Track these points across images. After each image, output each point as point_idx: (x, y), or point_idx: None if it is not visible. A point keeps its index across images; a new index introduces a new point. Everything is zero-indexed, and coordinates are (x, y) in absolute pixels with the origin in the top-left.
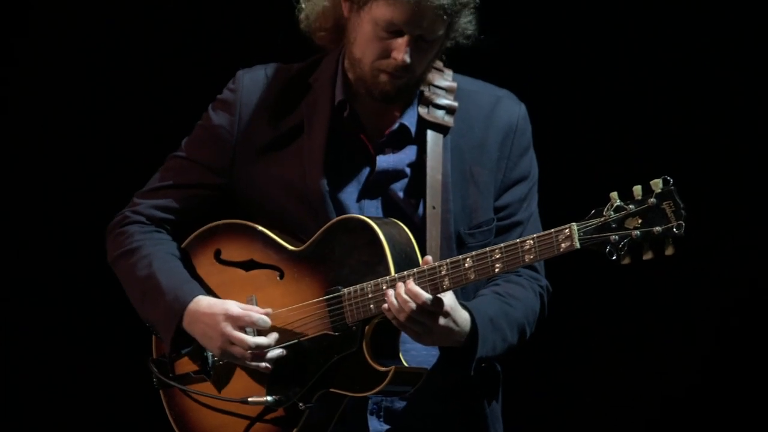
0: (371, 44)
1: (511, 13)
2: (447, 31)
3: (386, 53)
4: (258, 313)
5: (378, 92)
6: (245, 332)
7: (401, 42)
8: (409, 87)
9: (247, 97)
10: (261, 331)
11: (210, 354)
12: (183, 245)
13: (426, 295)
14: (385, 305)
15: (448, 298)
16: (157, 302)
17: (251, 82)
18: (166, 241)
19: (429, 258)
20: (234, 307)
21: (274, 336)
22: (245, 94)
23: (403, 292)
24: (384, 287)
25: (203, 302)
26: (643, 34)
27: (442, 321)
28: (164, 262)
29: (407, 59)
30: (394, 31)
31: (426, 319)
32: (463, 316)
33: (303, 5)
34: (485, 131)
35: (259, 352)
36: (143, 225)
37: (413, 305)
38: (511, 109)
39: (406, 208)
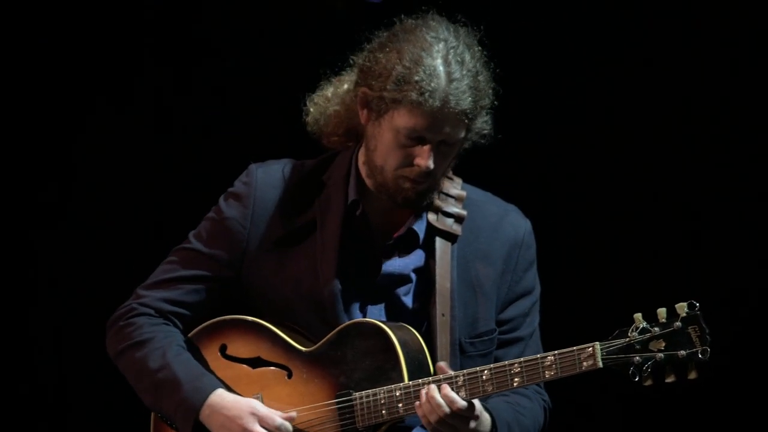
0: (393, 152)
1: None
2: (466, 132)
3: (409, 160)
4: (282, 418)
5: (401, 198)
6: None
7: (425, 149)
8: (429, 191)
9: (261, 191)
10: None
11: None
12: (188, 338)
13: (461, 402)
14: (418, 403)
15: (477, 403)
16: (172, 393)
17: (265, 176)
18: (176, 333)
19: (443, 364)
20: (260, 406)
21: None
22: (259, 187)
23: (438, 396)
24: (398, 393)
25: (228, 396)
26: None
27: (472, 424)
28: (178, 354)
29: (431, 165)
30: (416, 138)
31: (457, 422)
32: (486, 419)
33: (311, 109)
34: (491, 243)
35: None
36: (152, 317)
37: (447, 410)
38: (517, 223)
39: (410, 314)
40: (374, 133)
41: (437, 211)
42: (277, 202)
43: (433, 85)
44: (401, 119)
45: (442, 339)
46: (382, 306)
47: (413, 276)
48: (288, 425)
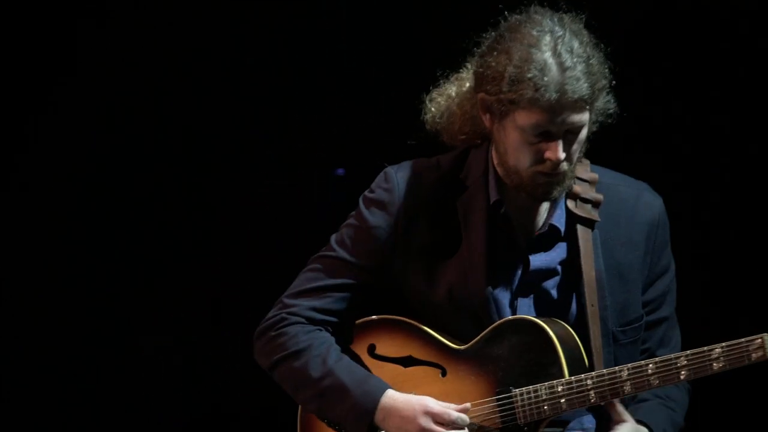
0: (523, 150)
1: None
2: (590, 116)
3: (539, 156)
4: (456, 411)
5: (540, 194)
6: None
7: (553, 143)
8: (566, 181)
9: (403, 196)
10: None
11: None
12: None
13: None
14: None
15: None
16: (341, 400)
17: (404, 179)
18: (331, 340)
19: (620, 409)
20: (433, 403)
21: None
22: (401, 192)
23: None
24: (560, 389)
25: (399, 397)
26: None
27: None
28: (338, 359)
29: (561, 157)
30: (542, 133)
31: None
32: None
33: (431, 107)
34: (631, 226)
35: None
36: (304, 326)
37: None
38: (653, 203)
39: (558, 306)
40: (500, 136)
41: (575, 197)
42: (420, 206)
43: (546, 79)
44: (523, 118)
45: (594, 330)
46: (531, 302)
47: (559, 269)
48: (465, 418)
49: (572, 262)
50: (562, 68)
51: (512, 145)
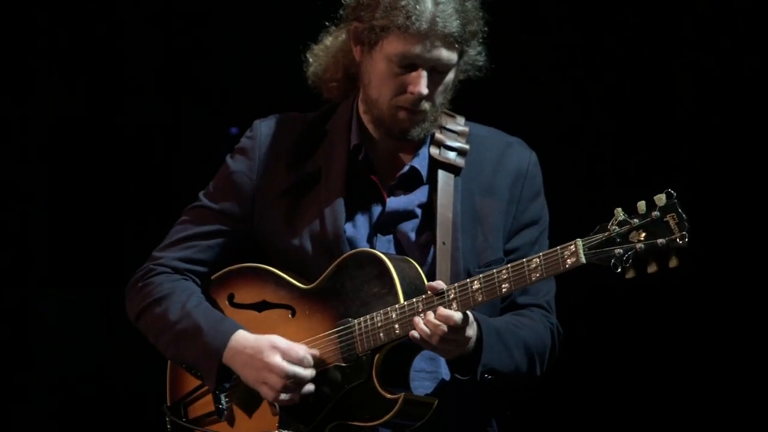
0: (387, 81)
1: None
2: (458, 61)
3: (402, 89)
4: (304, 351)
5: (397, 130)
6: None
7: (416, 75)
8: (425, 122)
9: (265, 143)
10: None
11: (223, 396)
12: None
13: (457, 316)
14: (414, 333)
15: (468, 312)
16: (194, 340)
17: (268, 128)
18: (194, 287)
19: (434, 283)
20: (281, 340)
21: (311, 371)
22: (263, 140)
23: (434, 318)
24: (393, 316)
25: (250, 336)
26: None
27: (469, 332)
28: (197, 304)
29: (424, 91)
30: (408, 65)
31: (454, 335)
32: (476, 326)
33: (311, 61)
34: (495, 175)
35: (292, 384)
36: (169, 275)
37: (445, 328)
38: (521, 154)
39: (416, 247)
40: (368, 67)
41: (439, 145)
42: (282, 153)
43: (419, 8)
44: (391, 46)
45: (442, 267)
46: (390, 243)
47: (418, 211)
48: (309, 359)
49: (431, 205)
50: (436, 2)
51: (378, 76)
